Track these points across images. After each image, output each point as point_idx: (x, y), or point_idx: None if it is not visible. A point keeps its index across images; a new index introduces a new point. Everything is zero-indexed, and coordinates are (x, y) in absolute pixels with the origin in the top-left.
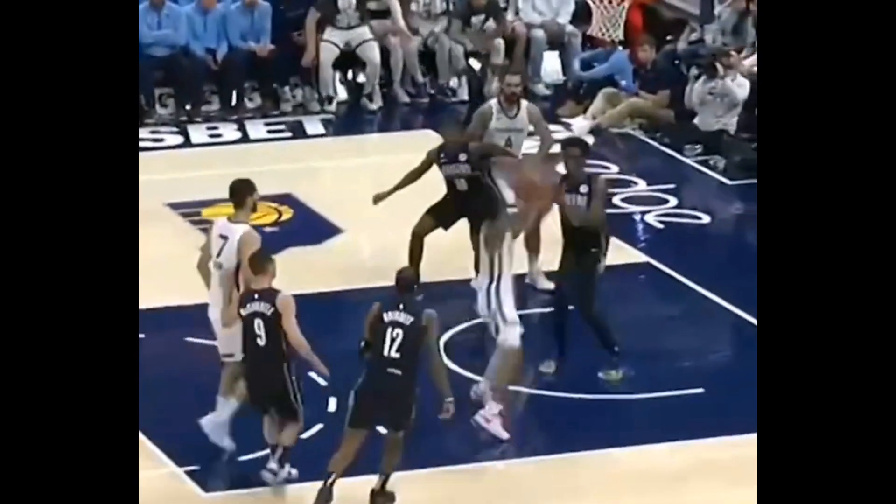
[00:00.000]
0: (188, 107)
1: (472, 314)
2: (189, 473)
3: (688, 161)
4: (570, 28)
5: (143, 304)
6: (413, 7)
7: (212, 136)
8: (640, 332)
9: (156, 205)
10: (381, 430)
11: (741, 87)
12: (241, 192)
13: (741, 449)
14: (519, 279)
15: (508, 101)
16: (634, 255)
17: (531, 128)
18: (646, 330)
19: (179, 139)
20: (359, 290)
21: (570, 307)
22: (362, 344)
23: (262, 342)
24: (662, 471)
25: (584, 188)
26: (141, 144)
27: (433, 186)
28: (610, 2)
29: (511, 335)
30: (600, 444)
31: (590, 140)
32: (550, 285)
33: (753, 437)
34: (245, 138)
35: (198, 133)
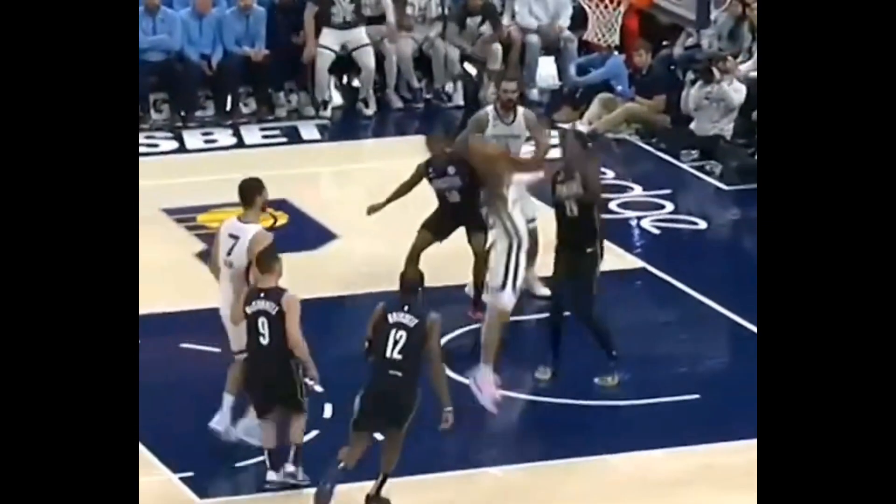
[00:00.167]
0: (183, 112)
1: (466, 320)
2: (184, 480)
3: (684, 166)
4: (566, 33)
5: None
6: (409, 11)
7: (207, 141)
8: (636, 338)
9: (151, 210)
10: (379, 436)
11: (737, 92)
12: (251, 191)
13: (738, 455)
14: None
15: (505, 107)
16: (630, 261)
17: (528, 134)
18: (642, 336)
19: (174, 144)
20: (354, 296)
21: (566, 313)
22: (365, 344)
23: (265, 341)
24: (659, 477)
25: (579, 176)
26: None
27: (430, 190)
28: (606, 7)
29: (506, 298)
30: (597, 451)
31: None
32: (547, 291)
33: (750, 442)
34: (240, 144)
35: (193, 138)
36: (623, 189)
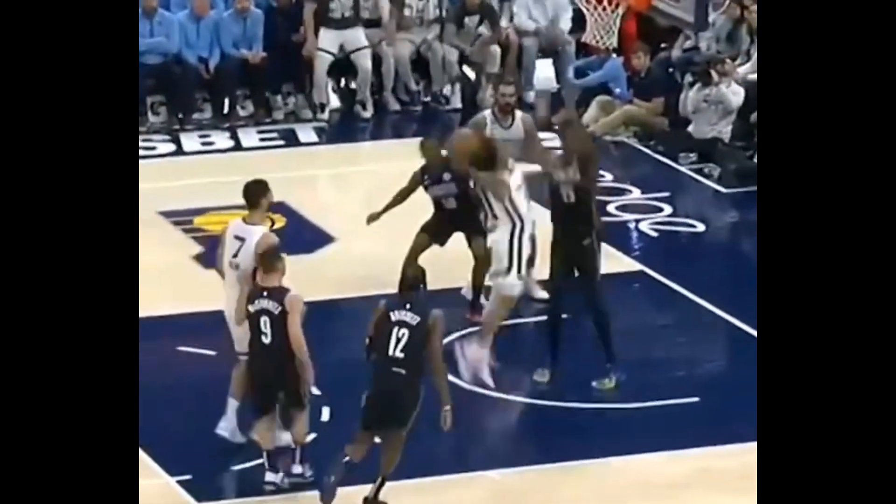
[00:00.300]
0: (180, 115)
1: (464, 323)
2: (182, 483)
3: (682, 169)
4: (564, 36)
5: None
6: (406, 13)
7: (204, 144)
8: (634, 341)
9: (148, 213)
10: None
11: (736, 95)
12: (256, 193)
13: (737, 457)
14: None
15: (503, 111)
16: (628, 264)
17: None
18: (640, 339)
19: (171, 147)
20: (351, 299)
21: (564, 315)
22: (366, 341)
23: (267, 339)
24: (658, 480)
25: (577, 163)
26: None
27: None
28: (604, 9)
29: (512, 283)
30: (595, 454)
31: None
32: (545, 294)
33: (749, 445)
34: (237, 146)
35: (190, 141)
36: (621, 192)
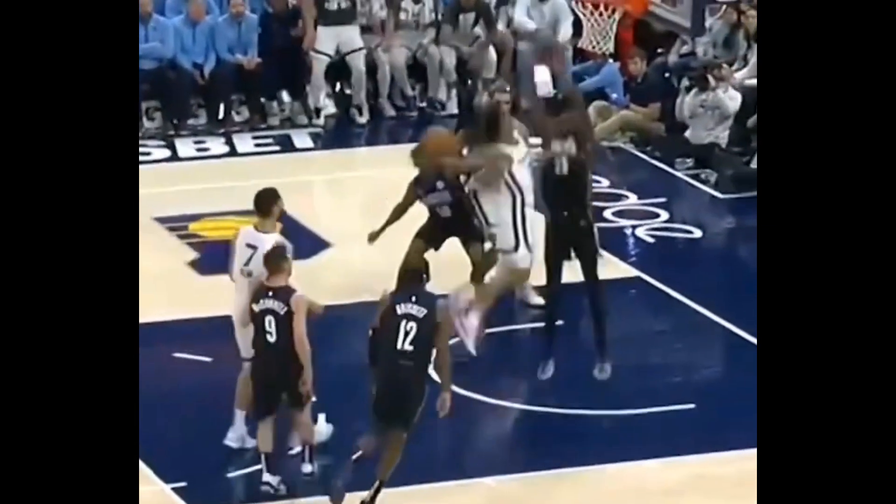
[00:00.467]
0: (175, 120)
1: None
2: (177, 490)
3: (679, 175)
4: (561, 42)
5: None
6: (402, 17)
7: (199, 149)
8: (631, 347)
9: (143, 219)
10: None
11: (732, 100)
12: (266, 201)
13: (734, 464)
14: (508, 294)
15: None
16: (625, 270)
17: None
18: (636, 345)
19: (166, 153)
20: (347, 305)
21: (559, 322)
22: (370, 333)
23: (272, 339)
24: (655, 487)
25: (574, 139)
26: None
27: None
28: (601, 14)
29: (522, 256)
30: (591, 460)
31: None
32: (541, 301)
33: (746, 452)
34: (233, 152)
35: (185, 147)
36: (618, 198)
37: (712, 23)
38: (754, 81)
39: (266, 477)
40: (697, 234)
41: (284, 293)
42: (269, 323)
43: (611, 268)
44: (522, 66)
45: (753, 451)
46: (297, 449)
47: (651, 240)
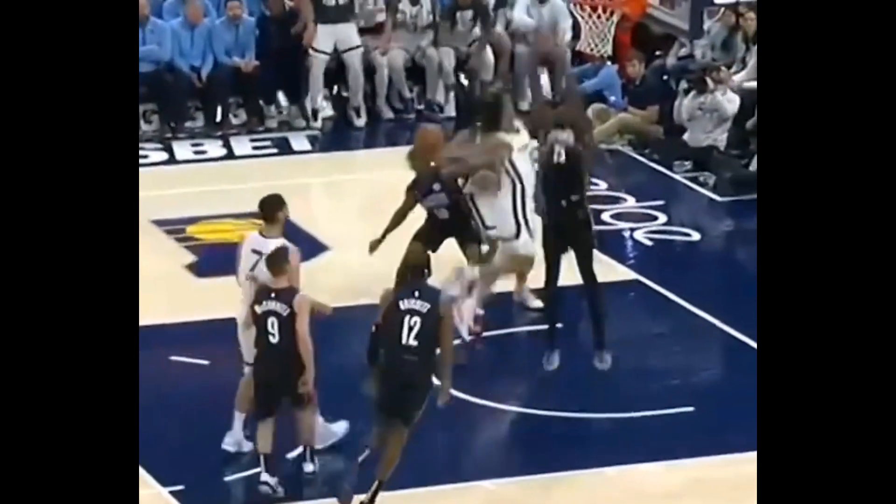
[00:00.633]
0: (173, 123)
1: (455, 331)
2: (174, 493)
3: (677, 177)
4: (560, 44)
5: None
6: (399, 18)
7: (196, 152)
8: (630, 350)
9: (140, 221)
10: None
11: (731, 103)
12: (272, 207)
13: (734, 467)
14: (506, 297)
15: None
16: (623, 273)
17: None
18: (635, 348)
19: (164, 156)
20: (345, 308)
21: (560, 325)
22: (373, 329)
23: (275, 340)
24: (653, 490)
25: (572, 129)
26: None
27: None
28: (599, 17)
29: (524, 241)
30: (590, 464)
31: None
32: (539, 303)
33: (745, 455)
34: (230, 155)
35: (182, 149)
36: (616, 200)
37: (710, 25)
38: (753, 84)
39: (264, 476)
40: (696, 236)
41: (287, 294)
42: (272, 325)
43: (609, 271)
44: (520, 70)
45: (752, 455)
46: (299, 450)
47: (649, 243)
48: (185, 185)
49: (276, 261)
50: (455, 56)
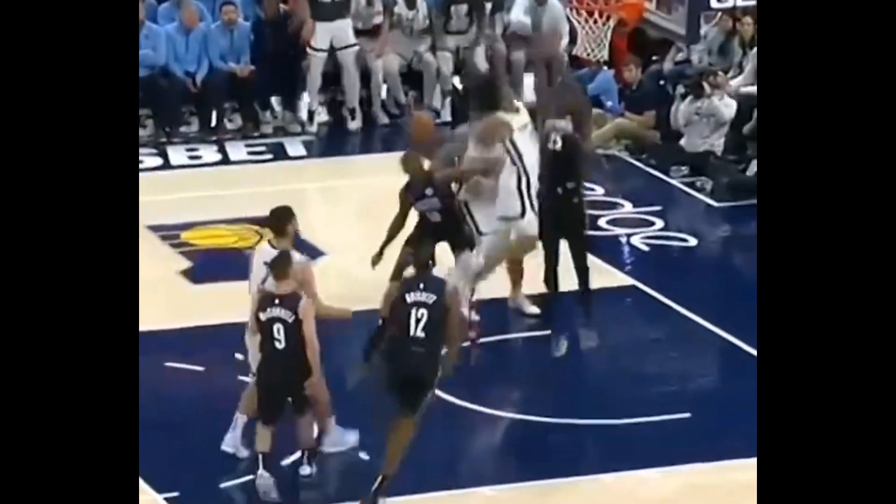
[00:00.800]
0: (167, 128)
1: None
2: (169, 500)
3: (674, 182)
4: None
5: None
6: (395, 20)
7: (191, 157)
8: (627, 356)
9: None
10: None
11: (728, 108)
12: (282, 219)
13: (731, 473)
14: (502, 304)
15: None
16: (620, 279)
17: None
18: (632, 353)
19: (159, 161)
20: None
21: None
22: (379, 322)
23: (280, 345)
24: (650, 496)
25: (571, 119)
26: None
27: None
28: (595, 22)
29: (529, 221)
30: (587, 470)
31: None
32: (536, 310)
33: (742, 461)
34: (225, 160)
35: (177, 155)
36: (613, 206)
37: (707, 30)
38: (750, 89)
39: (260, 471)
40: (693, 242)
41: (291, 301)
42: (278, 331)
43: (606, 276)
44: (516, 76)
45: (749, 461)
46: (297, 455)
47: (646, 248)
48: (179, 191)
49: (279, 265)
50: (451, 60)
